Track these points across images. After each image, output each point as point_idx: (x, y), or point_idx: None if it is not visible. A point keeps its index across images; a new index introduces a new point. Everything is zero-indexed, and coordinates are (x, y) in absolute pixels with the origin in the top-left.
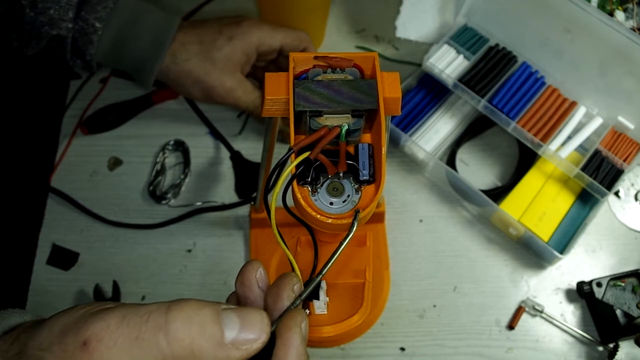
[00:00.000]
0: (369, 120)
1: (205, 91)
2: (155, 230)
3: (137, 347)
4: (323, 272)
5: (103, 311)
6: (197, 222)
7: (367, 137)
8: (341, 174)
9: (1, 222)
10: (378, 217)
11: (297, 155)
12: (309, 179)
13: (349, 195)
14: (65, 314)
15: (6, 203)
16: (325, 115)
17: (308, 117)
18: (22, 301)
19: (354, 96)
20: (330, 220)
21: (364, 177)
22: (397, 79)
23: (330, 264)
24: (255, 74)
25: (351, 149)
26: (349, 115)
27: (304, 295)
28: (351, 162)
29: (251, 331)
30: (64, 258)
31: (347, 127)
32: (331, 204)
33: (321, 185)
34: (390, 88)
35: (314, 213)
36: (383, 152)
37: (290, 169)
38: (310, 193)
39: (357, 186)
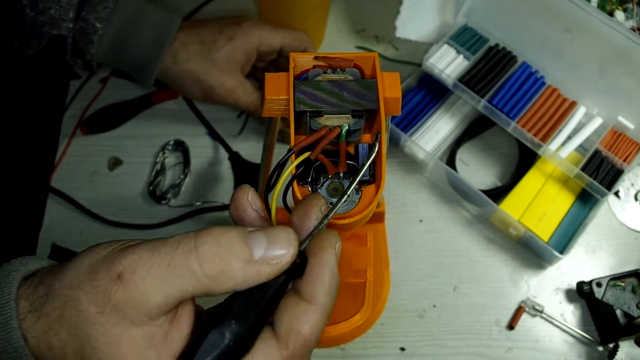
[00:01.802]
0: (369, 120)
1: (205, 91)
2: (155, 231)
3: (170, 274)
4: (354, 183)
5: (131, 247)
6: (197, 222)
7: (367, 137)
8: (341, 174)
9: (1, 222)
10: (378, 217)
11: (297, 156)
12: (309, 179)
13: (349, 196)
14: (90, 253)
15: (6, 203)
16: (325, 116)
17: (308, 117)
18: None
19: (354, 96)
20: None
21: (364, 177)
22: (397, 79)
23: (359, 176)
24: (255, 75)
25: (351, 149)
26: (349, 116)
27: (331, 214)
28: (351, 162)
29: (279, 246)
30: (64, 258)
31: (347, 127)
32: (331, 204)
33: (321, 186)
34: (391, 88)
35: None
36: (383, 152)
37: (290, 169)
38: (310, 193)
39: (357, 186)
